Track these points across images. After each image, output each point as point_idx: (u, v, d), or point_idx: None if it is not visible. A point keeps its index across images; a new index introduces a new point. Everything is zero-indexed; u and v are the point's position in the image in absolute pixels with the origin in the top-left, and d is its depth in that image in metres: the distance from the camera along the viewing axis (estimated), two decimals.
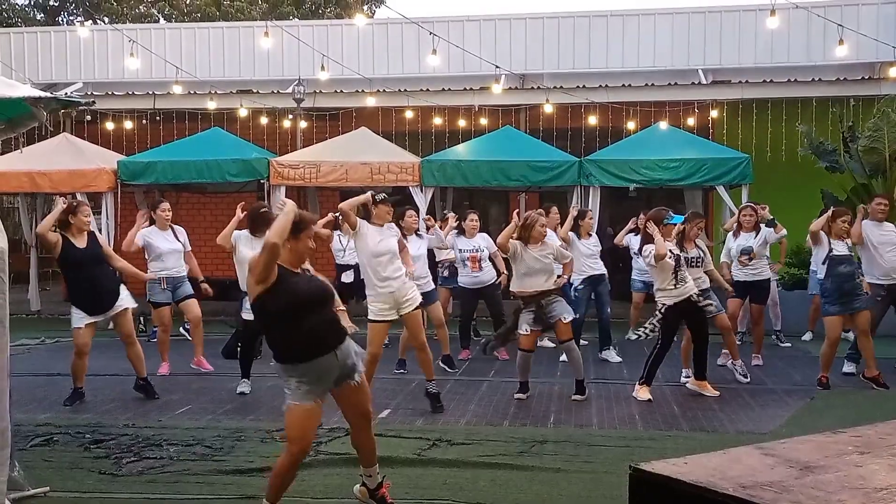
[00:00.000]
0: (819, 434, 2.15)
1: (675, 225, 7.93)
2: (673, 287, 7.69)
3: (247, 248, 7.82)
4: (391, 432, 6.50)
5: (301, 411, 4.40)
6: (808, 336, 11.15)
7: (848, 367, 8.83)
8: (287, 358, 4.44)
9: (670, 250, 7.75)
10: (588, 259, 9.59)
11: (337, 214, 7.47)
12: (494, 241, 10.11)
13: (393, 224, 7.46)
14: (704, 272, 8.24)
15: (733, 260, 9.23)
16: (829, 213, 8.51)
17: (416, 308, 7.18)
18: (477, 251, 9.82)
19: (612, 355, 9.82)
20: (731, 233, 9.33)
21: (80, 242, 7.58)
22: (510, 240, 7.67)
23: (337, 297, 4.85)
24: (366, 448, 4.81)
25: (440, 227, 9.96)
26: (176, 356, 9.15)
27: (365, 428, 4.80)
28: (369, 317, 7.12)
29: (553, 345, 9.77)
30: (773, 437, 6.18)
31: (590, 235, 9.80)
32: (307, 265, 4.75)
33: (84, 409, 7.55)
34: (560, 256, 7.92)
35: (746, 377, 8.55)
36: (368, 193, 7.19)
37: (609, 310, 9.85)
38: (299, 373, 4.40)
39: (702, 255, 8.31)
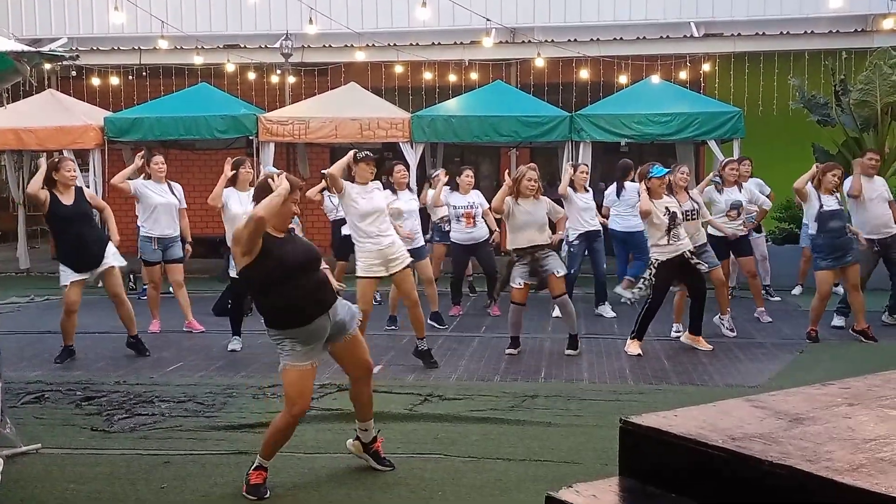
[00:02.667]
0: (808, 386, 2.15)
1: (662, 178, 7.84)
2: (666, 243, 7.69)
3: (236, 205, 7.79)
4: (383, 388, 6.52)
5: (297, 372, 4.41)
6: (797, 290, 11.20)
7: (837, 321, 8.88)
8: (278, 324, 4.43)
9: (667, 207, 7.72)
10: (584, 214, 9.56)
11: (325, 172, 7.44)
12: (486, 198, 10.14)
13: (377, 182, 7.41)
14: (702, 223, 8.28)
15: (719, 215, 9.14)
16: (813, 168, 8.48)
17: (405, 267, 7.16)
18: (472, 207, 9.79)
19: (607, 311, 9.84)
20: (712, 188, 9.22)
21: (67, 199, 7.53)
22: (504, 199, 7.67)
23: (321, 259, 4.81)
24: (364, 402, 4.83)
25: (431, 186, 9.95)
26: (167, 313, 9.14)
27: (366, 380, 4.81)
28: (357, 273, 7.07)
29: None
30: (763, 389, 6.23)
31: (586, 190, 9.76)
32: (294, 225, 4.72)
33: (75, 366, 7.55)
34: (553, 212, 7.90)
35: (733, 331, 8.61)
36: (351, 152, 7.12)
37: (604, 266, 9.84)
38: (292, 336, 4.40)
39: (696, 207, 8.30)
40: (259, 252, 4.34)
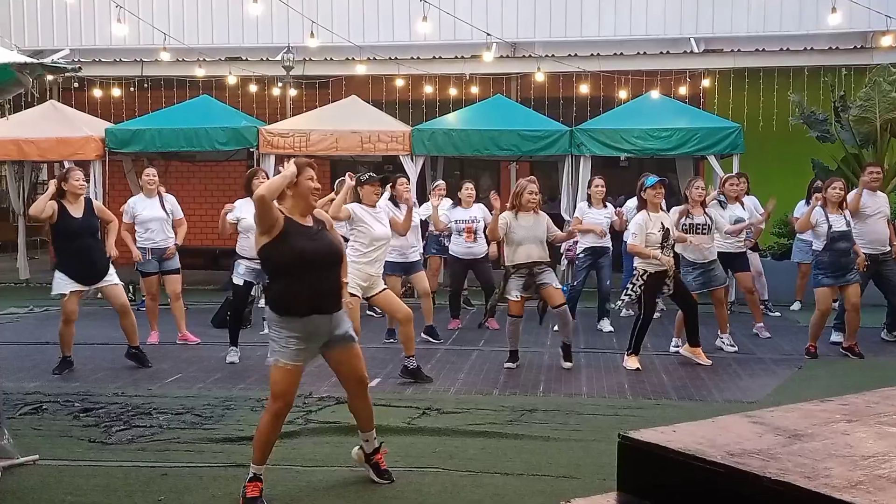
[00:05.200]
0: (807, 402, 2.15)
1: (654, 187, 7.79)
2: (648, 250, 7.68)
3: (250, 214, 7.81)
4: (381, 401, 6.50)
5: (284, 371, 4.43)
6: (796, 306, 11.20)
7: (836, 337, 8.87)
8: (283, 310, 4.44)
9: (662, 223, 7.72)
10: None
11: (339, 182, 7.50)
12: (488, 209, 10.17)
13: (381, 205, 7.42)
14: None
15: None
16: (813, 202, 8.37)
17: (380, 291, 7.17)
18: (473, 222, 9.80)
19: (605, 325, 9.85)
20: (716, 205, 9.20)
21: (77, 211, 7.50)
22: (503, 214, 7.67)
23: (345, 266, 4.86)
24: (364, 414, 4.84)
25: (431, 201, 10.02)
26: (165, 325, 9.13)
27: (362, 393, 4.81)
28: None
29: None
30: (762, 405, 6.21)
31: (604, 205, 9.76)
32: (318, 215, 4.72)
33: (73, 377, 7.54)
34: (550, 231, 7.85)
35: (734, 346, 8.60)
36: (347, 183, 7.12)
37: (609, 283, 9.83)
38: (291, 327, 4.40)
39: (709, 221, 8.31)
40: (280, 234, 4.37)
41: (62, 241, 7.59)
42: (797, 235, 10.77)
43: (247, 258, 7.82)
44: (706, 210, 8.44)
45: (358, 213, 7.02)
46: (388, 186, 8.60)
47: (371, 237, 7.03)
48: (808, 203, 9.53)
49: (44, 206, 7.40)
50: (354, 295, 7.04)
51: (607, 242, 9.74)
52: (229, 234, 8.27)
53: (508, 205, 7.71)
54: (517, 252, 7.63)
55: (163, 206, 9.04)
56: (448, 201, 10.33)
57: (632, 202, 10.38)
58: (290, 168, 4.49)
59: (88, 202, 7.70)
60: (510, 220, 7.64)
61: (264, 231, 4.39)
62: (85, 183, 7.76)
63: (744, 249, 9.19)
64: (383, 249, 7.18)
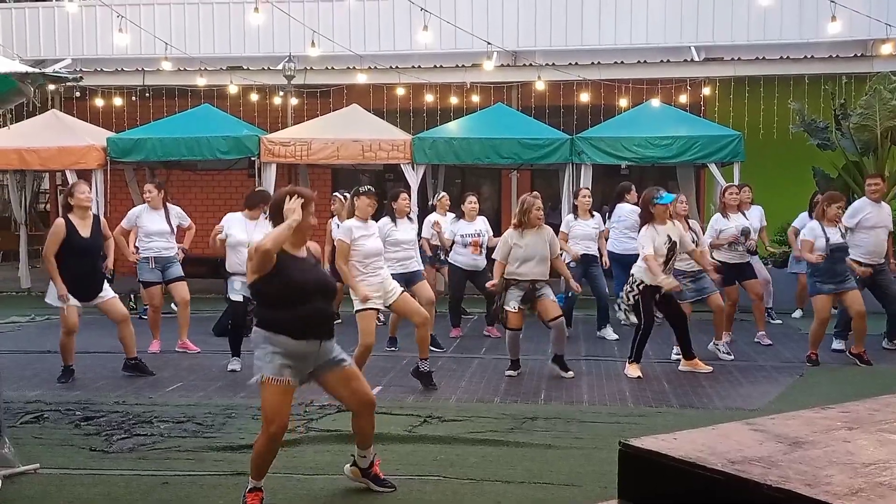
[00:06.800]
0: (808, 410, 2.15)
1: (667, 206, 7.82)
2: (661, 271, 7.64)
3: (241, 232, 7.80)
4: (382, 409, 6.47)
5: (275, 389, 4.35)
6: (797, 313, 11.20)
7: (837, 344, 8.87)
8: (272, 326, 4.40)
9: (668, 235, 7.69)
10: (582, 240, 9.59)
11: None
12: (490, 224, 10.23)
13: (372, 222, 7.40)
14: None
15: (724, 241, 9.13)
16: (805, 241, 8.37)
17: (400, 294, 7.21)
18: (479, 235, 9.79)
19: (609, 333, 9.82)
20: (719, 216, 9.22)
21: (85, 230, 7.45)
22: (506, 233, 7.72)
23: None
24: (366, 432, 4.79)
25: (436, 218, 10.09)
26: (167, 334, 9.13)
27: (369, 414, 4.76)
28: (358, 306, 7.00)
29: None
30: (763, 413, 6.20)
31: (591, 215, 9.77)
32: (314, 249, 4.72)
33: (74, 386, 7.53)
34: (552, 244, 7.81)
35: (730, 354, 8.58)
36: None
37: (606, 290, 9.82)
38: (276, 343, 4.36)
39: (695, 237, 8.31)
40: (273, 269, 4.36)
41: (67, 257, 7.43)
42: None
43: (240, 274, 7.74)
44: (691, 226, 8.45)
45: (354, 233, 7.05)
46: (391, 201, 8.60)
47: (364, 253, 7.05)
48: (810, 215, 9.53)
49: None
50: (374, 309, 7.06)
51: (596, 251, 9.74)
52: (218, 249, 8.22)
53: (515, 221, 7.68)
54: (521, 268, 7.60)
55: (168, 219, 9.03)
56: (450, 215, 10.35)
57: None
58: (294, 215, 4.41)
59: (96, 220, 7.67)
60: (515, 238, 7.61)
61: (256, 272, 4.37)
62: (91, 196, 7.74)
63: (748, 259, 9.21)
64: (379, 262, 7.20)
